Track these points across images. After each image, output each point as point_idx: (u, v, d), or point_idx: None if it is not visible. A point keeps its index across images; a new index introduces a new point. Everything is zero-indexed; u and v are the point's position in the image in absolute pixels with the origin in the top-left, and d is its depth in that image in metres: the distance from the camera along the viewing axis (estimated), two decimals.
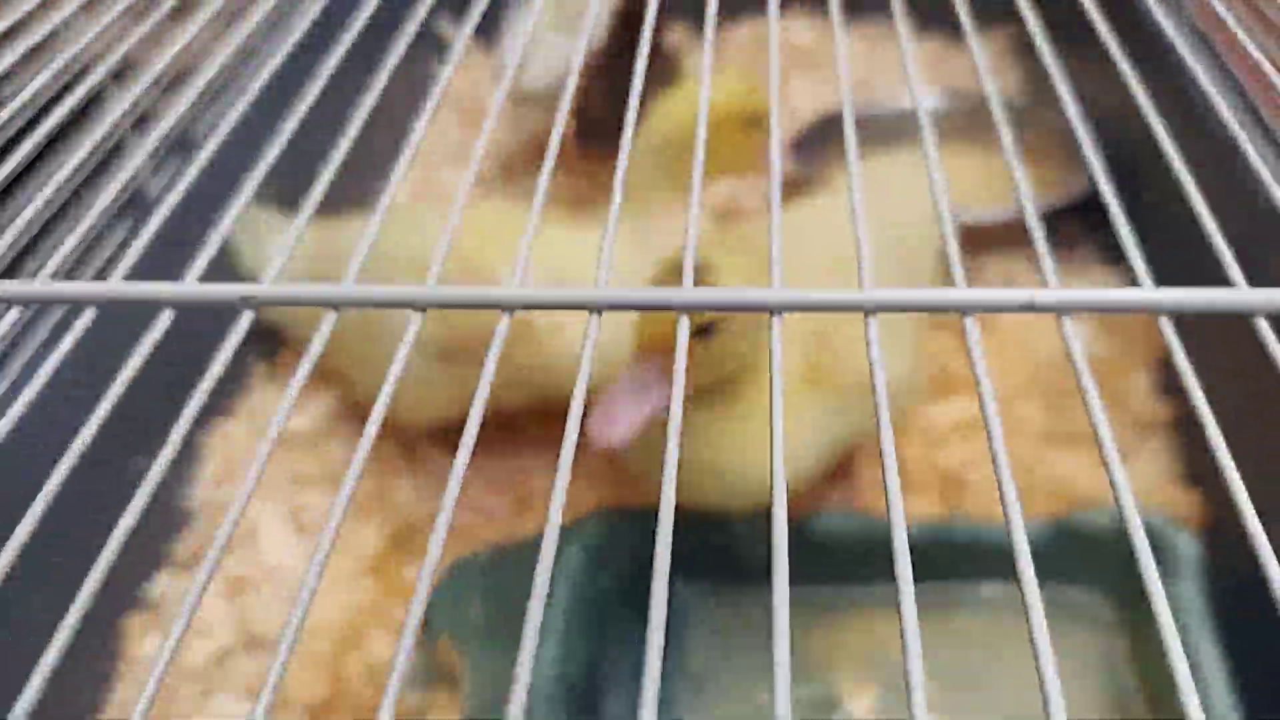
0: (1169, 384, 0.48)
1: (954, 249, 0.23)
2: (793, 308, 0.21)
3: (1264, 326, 0.21)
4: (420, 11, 0.37)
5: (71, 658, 0.18)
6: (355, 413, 0.52)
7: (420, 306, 0.22)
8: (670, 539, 0.18)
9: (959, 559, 0.42)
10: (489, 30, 0.62)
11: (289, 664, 0.42)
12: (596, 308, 0.21)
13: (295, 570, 0.45)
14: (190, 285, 0.23)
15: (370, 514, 0.47)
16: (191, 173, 0.29)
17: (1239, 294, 0.21)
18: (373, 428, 0.21)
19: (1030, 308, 0.20)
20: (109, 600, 0.43)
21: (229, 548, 0.44)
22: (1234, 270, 0.23)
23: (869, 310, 0.20)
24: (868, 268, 0.22)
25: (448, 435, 0.48)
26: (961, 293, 0.20)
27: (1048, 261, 0.23)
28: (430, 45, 0.74)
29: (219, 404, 0.51)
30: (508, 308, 0.21)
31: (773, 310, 0.21)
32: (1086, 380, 0.20)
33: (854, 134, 0.29)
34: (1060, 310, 0.20)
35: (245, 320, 0.23)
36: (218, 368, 0.22)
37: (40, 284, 0.24)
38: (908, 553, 0.18)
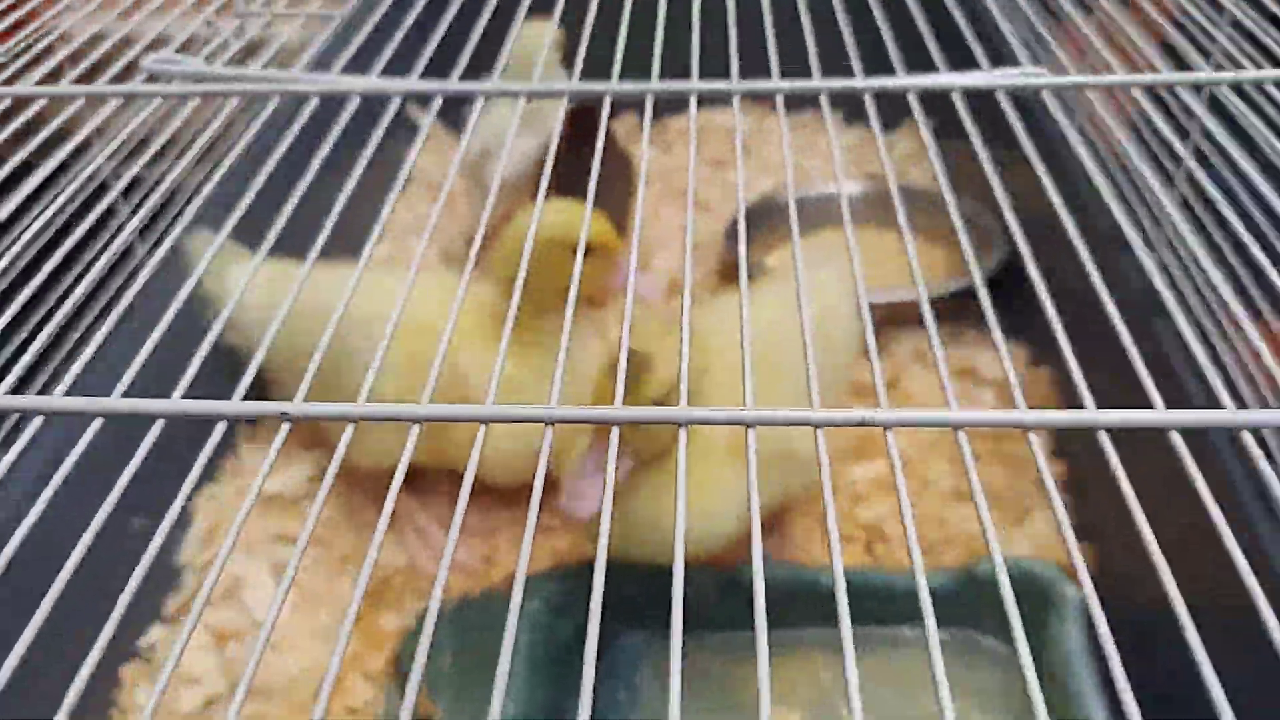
0: (1062, 448, 0.54)
1: (814, 374, 0.29)
2: (693, 422, 0.26)
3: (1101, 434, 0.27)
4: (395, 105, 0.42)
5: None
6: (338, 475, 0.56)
7: (419, 420, 0.27)
8: (601, 600, 0.23)
9: (880, 604, 0.48)
10: (460, 118, 0.68)
11: (278, 708, 0.46)
12: (550, 421, 0.26)
13: (280, 622, 0.49)
14: (237, 403, 0.28)
15: (347, 568, 0.52)
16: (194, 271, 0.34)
17: (1088, 414, 0.27)
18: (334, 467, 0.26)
19: (863, 423, 0.26)
20: (106, 651, 0.46)
21: (215, 602, 0.48)
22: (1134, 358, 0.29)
23: (749, 424, 0.26)
24: (750, 386, 0.28)
25: (414, 481, 0.53)
26: (813, 412, 0.26)
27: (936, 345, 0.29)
28: (410, 132, 0.79)
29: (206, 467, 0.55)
30: (484, 421, 0.27)
31: (680, 424, 0.26)
32: (975, 483, 0.26)
33: (792, 223, 0.35)
34: (886, 425, 0.26)
35: (284, 430, 0.28)
36: (263, 472, 0.27)
37: (59, 400, 0.28)
38: (845, 600, 0.23)
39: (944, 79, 0.38)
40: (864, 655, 0.47)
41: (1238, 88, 0.39)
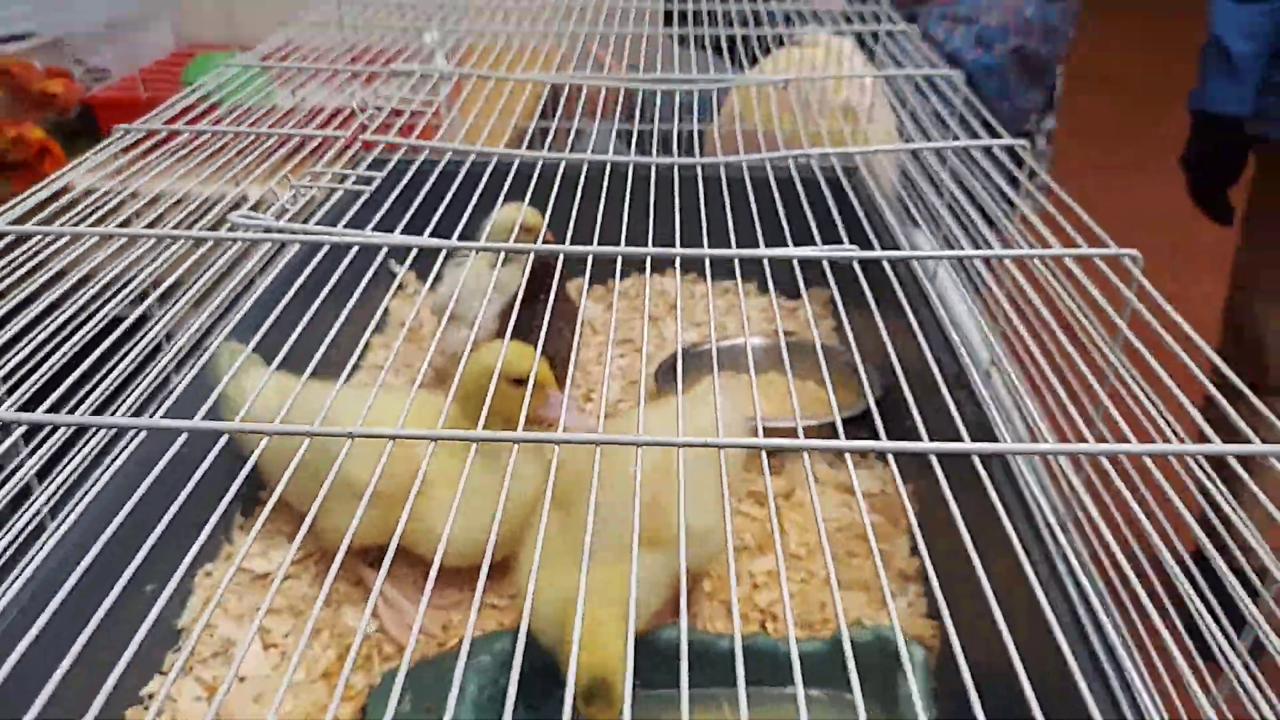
0: (916, 548, 0.67)
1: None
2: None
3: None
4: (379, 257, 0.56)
5: None
6: (313, 555, 0.66)
7: (312, 435, 0.39)
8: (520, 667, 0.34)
9: (769, 667, 0.58)
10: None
11: None
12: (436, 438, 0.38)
13: (261, 677, 0.57)
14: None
15: (322, 634, 0.61)
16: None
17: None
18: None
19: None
20: (116, 696, 0.54)
21: (208, 660, 0.57)
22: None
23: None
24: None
25: (379, 562, 0.63)
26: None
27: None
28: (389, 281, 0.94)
29: (206, 548, 0.64)
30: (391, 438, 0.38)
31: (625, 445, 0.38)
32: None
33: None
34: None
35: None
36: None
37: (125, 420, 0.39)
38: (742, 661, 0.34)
39: (789, 251, 0.53)
40: (755, 706, 0.58)
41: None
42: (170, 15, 1.67)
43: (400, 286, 1.01)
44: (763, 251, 0.53)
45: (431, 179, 0.68)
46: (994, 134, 0.74)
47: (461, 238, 0.58)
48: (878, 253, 0.54)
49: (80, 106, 1.45)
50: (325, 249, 0.58)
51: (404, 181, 0.64)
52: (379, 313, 0.88)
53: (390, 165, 0.70)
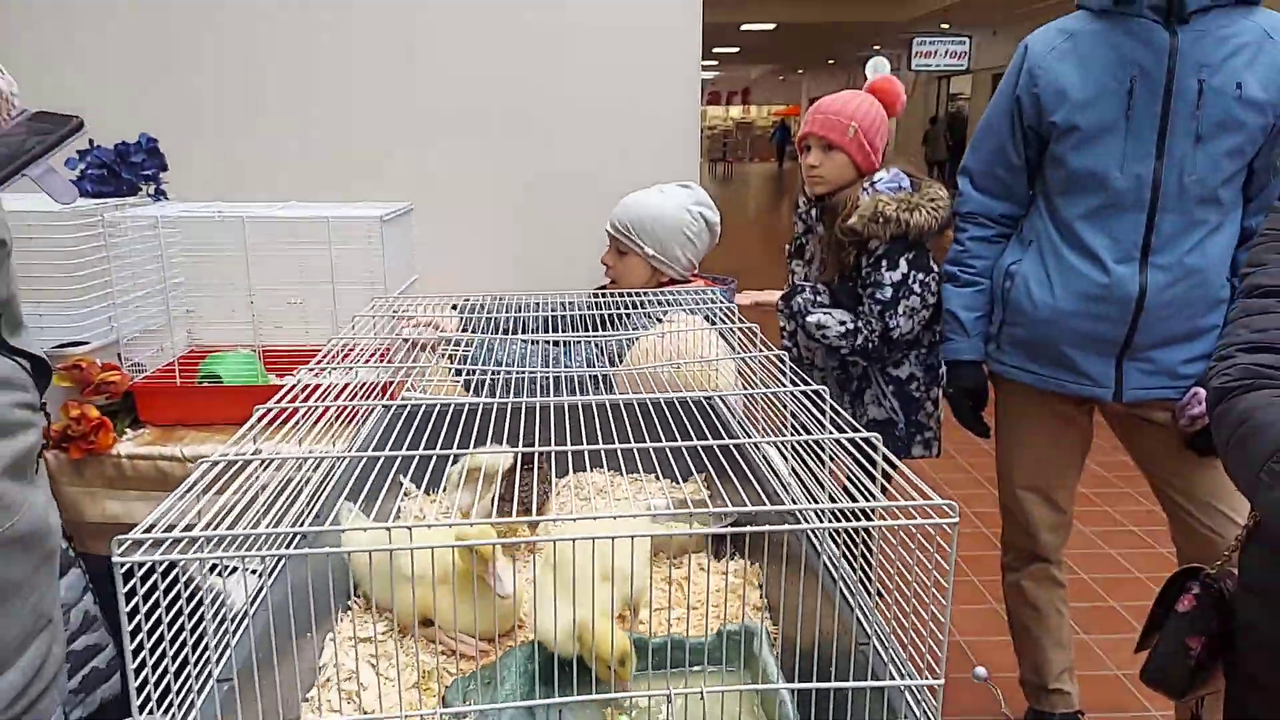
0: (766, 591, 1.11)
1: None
2: None
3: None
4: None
5: None
6: (390, 630, 1.04)
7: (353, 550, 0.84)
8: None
9: (680, 653, 0.99)
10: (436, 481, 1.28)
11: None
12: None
13: (374, 689, 0.94)
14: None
15: (408, 668, 0.98)
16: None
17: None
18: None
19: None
20: (291, 699, 0.91)
21: (341, 683, 0.95)
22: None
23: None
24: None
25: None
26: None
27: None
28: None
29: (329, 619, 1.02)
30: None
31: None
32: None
33: None
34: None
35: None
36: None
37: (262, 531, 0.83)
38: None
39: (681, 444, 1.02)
40: (675, 678, 1.01)
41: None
42: (185, 324, 2.15)
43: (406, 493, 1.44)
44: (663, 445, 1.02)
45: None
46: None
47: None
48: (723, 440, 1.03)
49: (125, 392, 1.88)
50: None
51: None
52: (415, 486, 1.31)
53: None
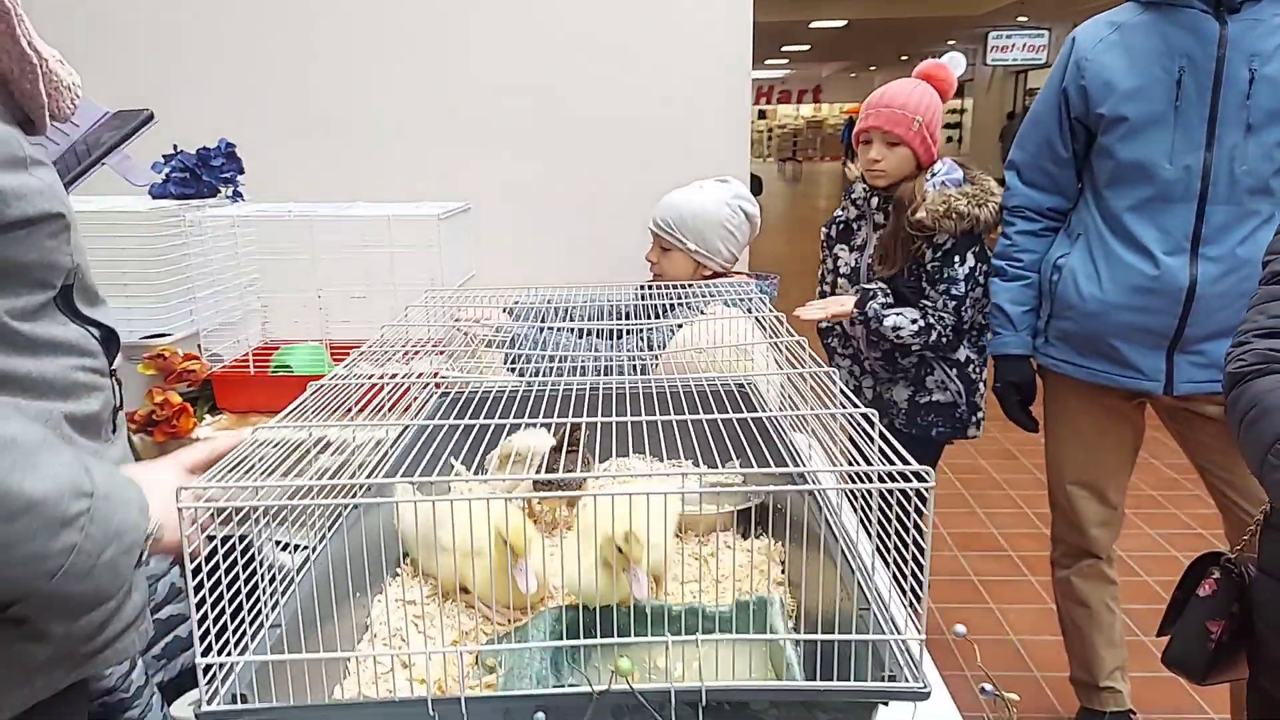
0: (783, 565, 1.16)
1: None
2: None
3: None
4: None
5: None
6: (435, 592, 1.12)
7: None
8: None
9: (700, 621, 1.05)
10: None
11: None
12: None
13: (418, 646, 1.02)
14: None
15: (450, 628, 1.06)
16: None
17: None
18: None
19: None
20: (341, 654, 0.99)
21: (387, 639, 1.03)
22: None
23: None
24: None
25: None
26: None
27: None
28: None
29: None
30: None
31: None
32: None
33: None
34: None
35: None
36: None
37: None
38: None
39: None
40: (689, 643, 1.06)
41: None
42: (260, 317, 2.28)
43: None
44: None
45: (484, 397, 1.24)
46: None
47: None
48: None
49: (205, 380, 2.01)
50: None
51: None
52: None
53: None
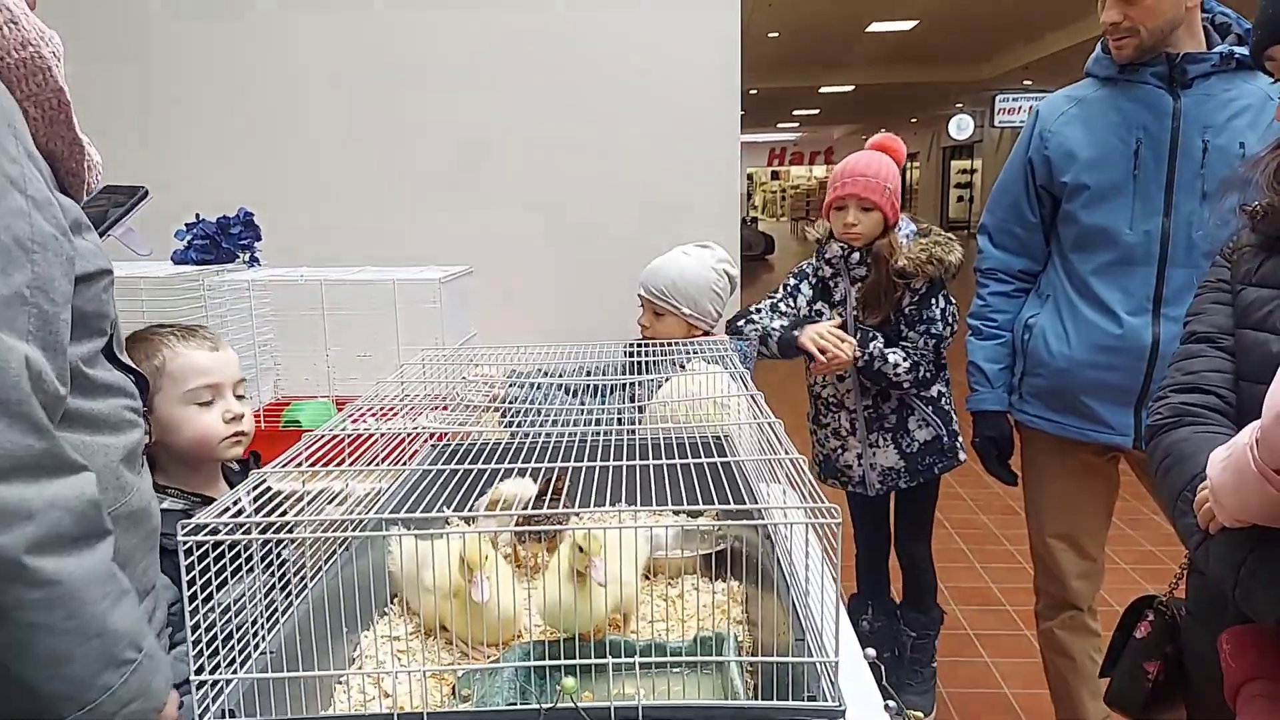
0: (745, 604, 1.23)
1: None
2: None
3: None
4: None
5: None
6: (418, 632, 1.20)
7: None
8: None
9: (659, 655, 1.12)
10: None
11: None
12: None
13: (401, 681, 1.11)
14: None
15: (429, 662, 1.14)
16: None
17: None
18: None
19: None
20: (325, 684, 1.07)
21: (370, 675, 1.12)
22: None
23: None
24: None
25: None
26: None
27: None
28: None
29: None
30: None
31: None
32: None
33: None
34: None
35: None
36: None
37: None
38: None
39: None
40: (656, 676, 1.14)
41: None
42: (272, 375, 2.40)
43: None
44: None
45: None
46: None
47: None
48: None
49: None
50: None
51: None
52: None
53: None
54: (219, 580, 0.84)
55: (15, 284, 0.73)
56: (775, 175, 29.70)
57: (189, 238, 2.35)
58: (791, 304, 2.42)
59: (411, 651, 1.17)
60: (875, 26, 11.40)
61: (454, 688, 1.09)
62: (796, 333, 2.25)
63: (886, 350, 2.27)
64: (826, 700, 0.79)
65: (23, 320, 0.73)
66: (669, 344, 1.92)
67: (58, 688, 0.73)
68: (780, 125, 24.00)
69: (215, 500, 1.03)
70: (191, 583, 0.80)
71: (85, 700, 0.75)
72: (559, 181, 2.72)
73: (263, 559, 0.90)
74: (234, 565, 0.88)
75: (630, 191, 2.71)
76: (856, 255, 2.32)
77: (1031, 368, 2.05)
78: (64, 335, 0.79)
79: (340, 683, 1.09)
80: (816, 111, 20.18)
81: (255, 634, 0.92)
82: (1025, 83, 14.61)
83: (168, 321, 1.52)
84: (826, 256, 2.37)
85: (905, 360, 2.27)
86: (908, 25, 11.31)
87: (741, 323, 2.35)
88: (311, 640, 0.99)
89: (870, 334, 2.30)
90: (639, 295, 2.24)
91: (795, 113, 20.60)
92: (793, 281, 2.45)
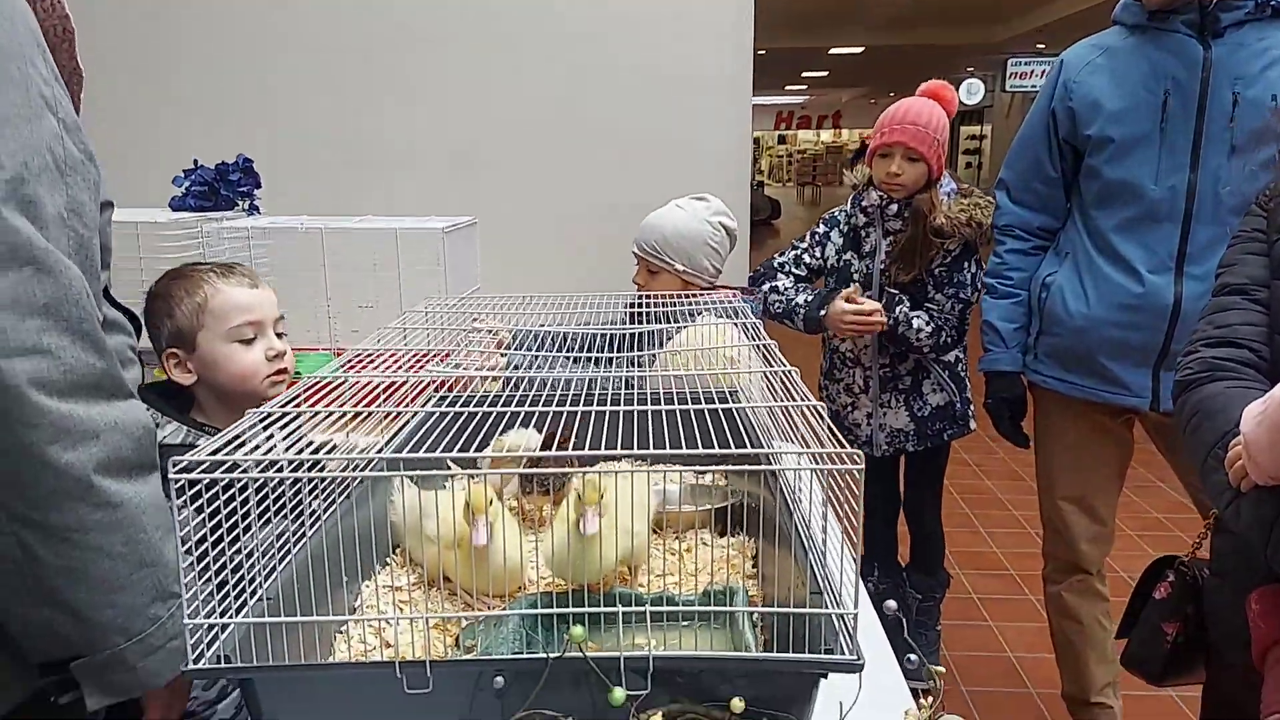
0: (756, 562, 1.20)
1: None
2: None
3: None
4: None
5: None
6: (421, 581, 1.17)
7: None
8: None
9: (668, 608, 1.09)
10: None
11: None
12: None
13: (402, 630, 1.08)
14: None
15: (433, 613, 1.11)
16: None
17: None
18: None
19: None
20: (328, 631, 1.04)
21: (374, 623, 1.09)
22: None
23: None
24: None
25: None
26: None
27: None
28: None
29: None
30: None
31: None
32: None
33: None
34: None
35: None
36: None
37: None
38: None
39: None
40: (662, 628, 1.11)
41: None
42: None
43: None
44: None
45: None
46: None
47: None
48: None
49: None
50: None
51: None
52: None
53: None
54: (214, 521, 0.80)
55: (57, 205, 0.72)
56: (782, 140, 29.38)
57: (187, 184, 2.29)
58: (818, 254, 2.36)
59: (414, 602, 1.15)
60: None
61: (457, 639, 1.06)
62: (822, 313, 2.20)
63: (911, 314, 2.22)
64: (844, 654, 0.76)
65: (64, 242, 0.72)
66: (674, 298, 1.88)
67: (108, 616, 0.73)
68: (789, 88, 23.69)
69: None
70: (185, 522, 0.76)
71: (135, 630, 0.75)
72: (566, 139, 2.66)
73: (261, 501, 0.87)
74: (230, 507, 0.84)
75: (639, 156, 2.65)
76: (894, 207, 2.26)
77: (1048, 327, 2.01)
78: (96, 260, 0.78)
79: (340, 631, 1.06)
80: (825, 74, 19.89)
81: (253, 579, 0.88)
82: (1039, 46, 14.37)
83: (203, 262, 1.50)
84: (863, 204, 2.30)
85: (929, 325, 2.22)
86: None
87: (766, 288, 2.30)
88: (310, 588, 0.96)
89: (896, 297, 2.24)
90: (633, 253, 2.18)
91: (804, 75, 20.31)
92: (821, 229, 2.39)
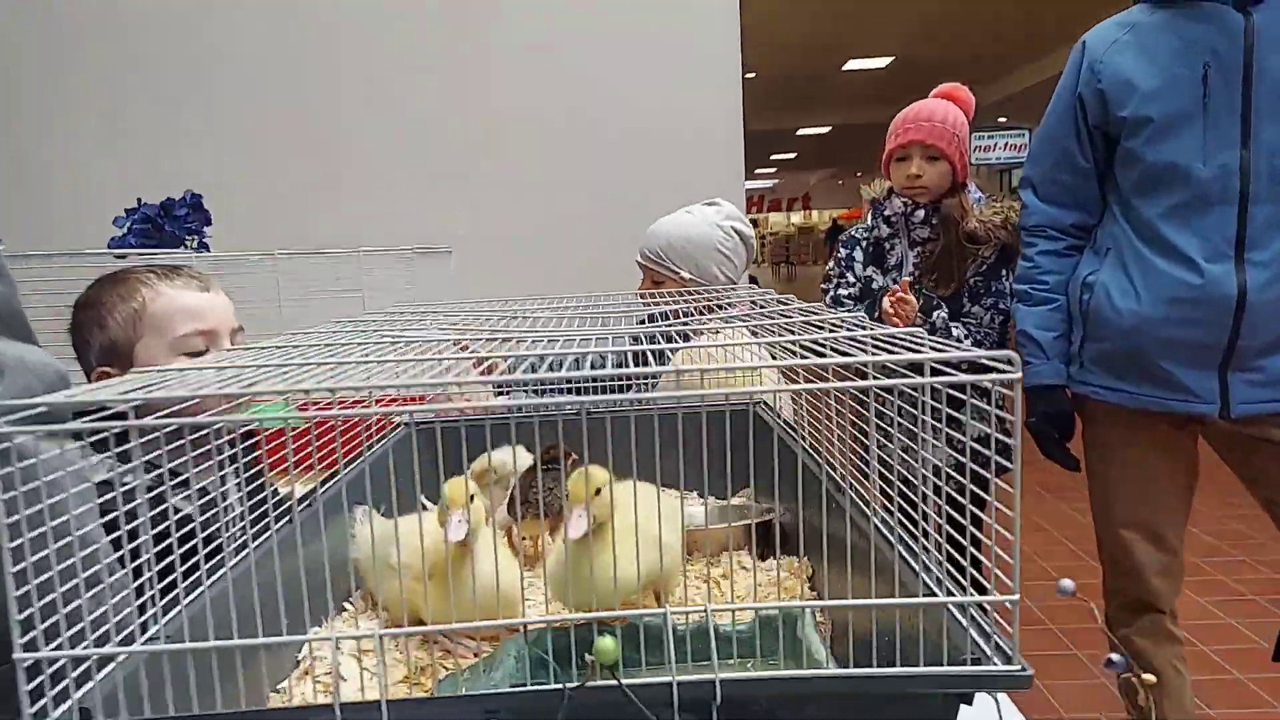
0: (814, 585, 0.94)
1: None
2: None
3: None
4: None
5: None
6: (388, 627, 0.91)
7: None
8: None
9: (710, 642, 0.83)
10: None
11: None
12: None
13: (356, 686, 0.81)
14: None
15: (399, 664, 0.85)
16: None
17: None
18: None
19: None
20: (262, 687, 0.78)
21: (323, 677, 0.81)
22: None
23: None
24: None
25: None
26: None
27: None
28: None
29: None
30: None
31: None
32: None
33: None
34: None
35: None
36: None
37: None
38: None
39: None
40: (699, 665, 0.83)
41: None
42: None
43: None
44: None
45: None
46: None
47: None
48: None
49: None
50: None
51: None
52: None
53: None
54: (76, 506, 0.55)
55: None
56: (754, 223, 29.82)
57: (128, 223, 2.07)
58: (850, 280, 2.17)
59: (377, 653, 0.88)
60: (851, 64, 11.40)
61: (432, 692, 0.80)
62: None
63: (950, 324, 2.03)
64: (998, 663, 0.50)
65: None
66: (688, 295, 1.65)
67: None
68: (758, 171, 24.13)
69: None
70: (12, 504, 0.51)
71: None
72: (555, 155, 2.49)
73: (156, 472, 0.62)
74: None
75: (628, 173, 2.47)
76: (921, 213, 2.07)
77: (1094, 331, 1.79)
78: None
79: (277, 691, 0.79)
80: (794, 155, 20.27)
81: (144, 601, 0.63)
82: (1000, 120, 14.68)
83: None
84: (885, 214, 2.11)
85: (967, 339, 2.02)
86: (883, 62, 11.32)
87: None
88: (233, 622, 0.69)
89: (935, 300, 2.05)
90: (637, 262, 1.96)
91: (773, 157, 20.69)
92: (844, 252, 2.19)
